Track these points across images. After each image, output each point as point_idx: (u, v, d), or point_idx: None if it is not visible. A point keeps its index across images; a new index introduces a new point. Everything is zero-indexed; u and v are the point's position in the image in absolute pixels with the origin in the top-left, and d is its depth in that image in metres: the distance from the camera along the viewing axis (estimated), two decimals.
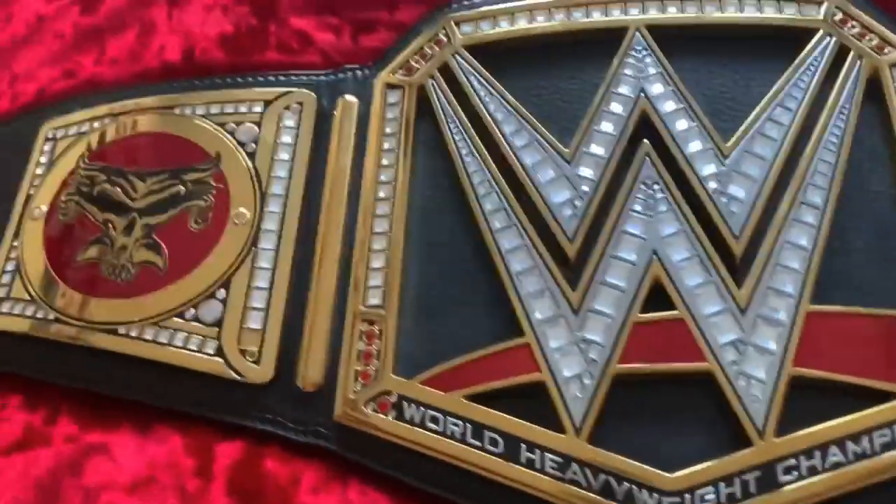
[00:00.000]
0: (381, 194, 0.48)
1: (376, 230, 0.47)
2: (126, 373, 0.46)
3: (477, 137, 0.47)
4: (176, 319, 0.46)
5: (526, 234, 0.44)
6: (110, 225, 0.49)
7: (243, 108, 0.52)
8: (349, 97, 0.52)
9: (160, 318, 0.46)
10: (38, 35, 0.57)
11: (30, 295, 0.48)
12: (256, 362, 0.44)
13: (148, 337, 0.45)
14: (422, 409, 0.41)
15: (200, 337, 0.45)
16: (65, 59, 0.56)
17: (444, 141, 0.48)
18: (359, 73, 0.53)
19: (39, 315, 0.47)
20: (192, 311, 0.46)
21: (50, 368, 0.47)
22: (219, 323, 0.45)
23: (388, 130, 0.49)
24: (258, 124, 0.51)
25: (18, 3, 0.59)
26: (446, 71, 0.50)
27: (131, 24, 0.55)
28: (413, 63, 0.51)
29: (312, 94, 0.51)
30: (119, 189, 0.50)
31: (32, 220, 0.51)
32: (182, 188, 0.49)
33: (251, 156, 0.50)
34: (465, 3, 0.52)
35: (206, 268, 0.47)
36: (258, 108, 0.52)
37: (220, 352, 0.45)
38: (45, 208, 0.51)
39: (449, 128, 0.48)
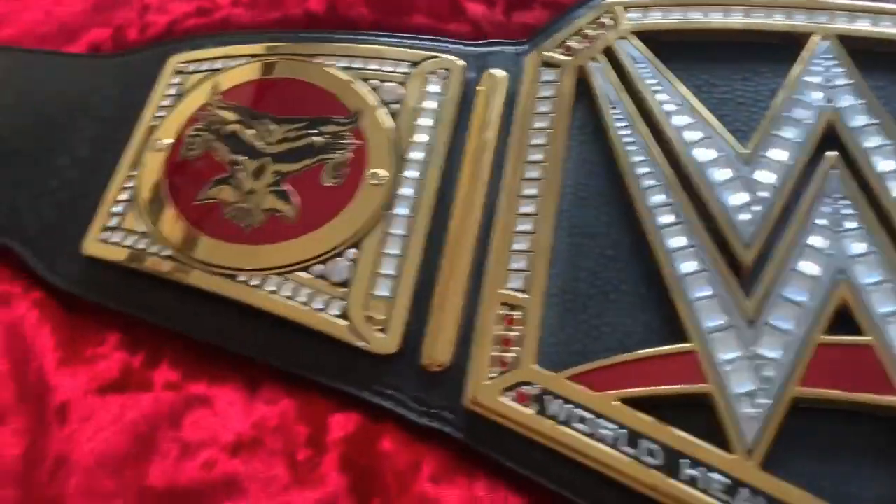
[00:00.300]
0: (530, 174, 0.44)
1: (521, 210, 0.43)
2: (239, 324, 0.42)
3: (644, 126, 0.44)
4: (301, 274, 0.42)
5: (695, 235, 0.40)
6: (239, 167, 0.46)
7: (388, 67, 0.49)
8: (497, 71, 0.48)
9: (285, 270, 0.42)
10: None
11: (145, 227, 0.45)
12: (382, 331, 0.40)
13: (270, 288, 0.42)
14: (568, 406, 0.37)
15: (326, 295, 0.42)
16: None
17: (604, 126, 0.45)
18: (510, 48, 0.50)
19: (153, 250, 0.44)
20: (321, 266, 0.42)
21: (156, 308, 0.44)
22: (346, 284, 0.42)
23: (540, 109, 0.46)
24: (402, 85, 0.48)
25: None
26: (610, 55, 0.47)
27: None
28: (572, 44, 0.48)
29: (460, 61, 0.48)
30: (252, 131, 0.47)
31: (154, 151, 0.48)
32: (318, 139, 0.46)
33: (392, 116, 0.47)
34: None
35: (338, 225, 0.43)
36: (403, 69, 0.49)
37: (345, 314, 0.41)
38: (168, 141, 0.48)
39: (611, 113, 0.44)
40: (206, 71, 0.51)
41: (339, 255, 0.43)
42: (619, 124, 0.45)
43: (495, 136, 0.46)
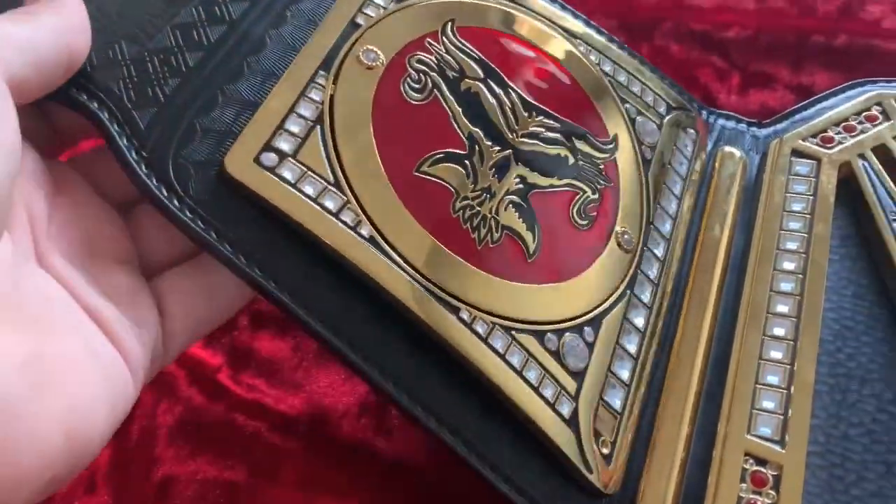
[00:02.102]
0: (782, 286, 0.36)
1: (771, 332, 0.35)
2: (425, 370, 0.28)
3: None
4: (532, 339, 0.30)
5: None
6: (478, 148, 0.32)
7: (648, 97, 0.38)
8: (734, 150, 0.40)
9: (514, 326, 0.29)
10: None
11: (334, 177, 0.29)
12: (607, 459, 0.29)
13: (497, 344, 0.29)
14: None
15: (557, 385, 0.29)
16: None
17: (880, 241, 0.37)
18: (749, 126, 0.41)
19: (346, 218, 0.28)
20: (554, 339, 0.30)
21: (328, 313, 0.28)
22: (580, 376, 0.30)
23: (793, 207, 0.38)
24: (659, 128, 0.37)
25: None
26: (884, 154, 0.39)
27: None
28: (832, 134, 0.40)
29: (706, 128, 0.39)
30: (497, 104, 0.33)
31: (361, 64, 0.31)
32: (571, 156, 0.34)
33: (646, 163, 0.36)
34: None
35: (581, 287, 0.32)
36: (661, 108, 0.38)
37: (574, 420, 0.29)
38: (383, 58, 0.32)
39: (886, 217, 0.37)
40: None
41: (577, 330, 0.31)
42: None
43: (730, 229, 0.37)
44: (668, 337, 0.34)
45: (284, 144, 0.28)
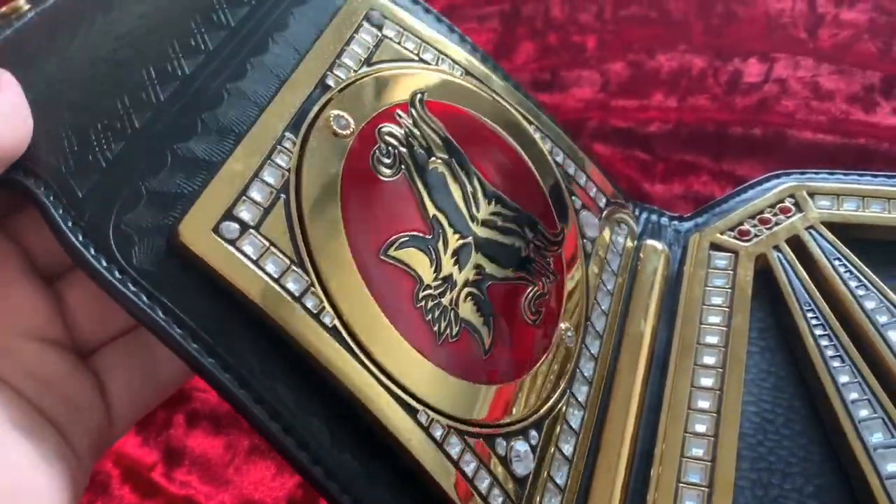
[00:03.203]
0: (703, 381, 0.37)
1: (693, 428, 0.36)
2: (395, 487, 0.26)
3: (847, 337, 0.37)
4: (483, 443, 0.29)
5: None
6: (442, 234, 0.31)
7: (591, 190, 0.39)
8: (657, 244, 0.41)
9: (467, 430, 0.28)
10: None
11: (297, 256, 0.26)
12: None
13: (452, 452, 0.27)
14: None
15: (503, 494, 0.29)
16: None
17: (797, 332, 0.38)
18: (671, 220, 0.43)
19: (308, 304, 0.26)
20: (503, 443, 0.29)
21: (277, 401, 0.25)
22: (524, 482, 0.29)
23: (713, 301, 0.39)
24: (598, 222, 0.38)
25: None
26: (797, 245, 0.41)
27: None
28: (748, 227, 0.42)
29: (632, 222, 0.40)
30: (460, 189, 0.32)
31: (329, 131, 0.29)
32: (524, 247, 0.33)
33: (586, 257, 0.36)
34: (813, 172, 0.44)
35: (529, 387, 0.31)
36: (601, 202, 0.39)
37: None
38: (353, 125, 0.30)
39: (807, 316, 0.38)
40: (408, 53, 0.34)
41: (523, 434, 0.30)
42: (817, 332, 0.38)
43: (652, 324, 0.38)
44: (597, 434, 0.34)
45: (246, 214, 0.25)
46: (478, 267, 0.30)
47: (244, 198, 0.25)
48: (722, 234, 0.42)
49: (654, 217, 0.43)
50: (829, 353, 0.37)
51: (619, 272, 0.38)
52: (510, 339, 0.30)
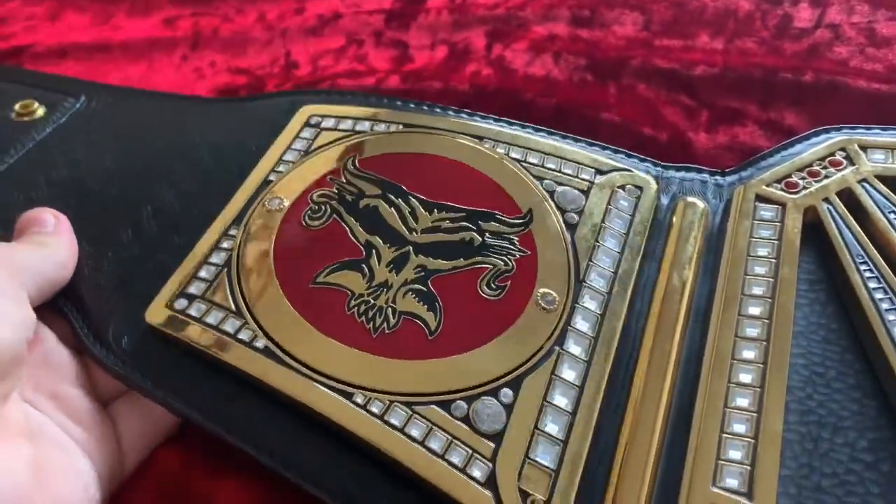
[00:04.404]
0: (748, 331, 0.33)
1: (737, 378, 0.32)
2: (336, 460, 0.29)
3: None
4: (437, 409, 0.30)
5: None
6: (375, 251, 0.35)
7: (568, 169, 0.39)
8: (696, 200, 0.38)
9: (416, 400, 0.30)
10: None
11: (235, 306, 0.33)
12: None
13: (394, 421, 0.30)
14: None
15: (468, 449, 0.29)
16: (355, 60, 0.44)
17: (849, 285, 0.34)
18: (709, 176, 0.40)
19: (243, 337, 0.32)
20: (464, 405, 0.30)
21: (233, 419, 0.31)
22: (497, 437, 0.29)
23: (758, 252, 0.35)
24: (584, 194, 0.37)
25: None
26: (849, 198, 0.36)
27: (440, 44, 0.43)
28: (797, 180, 0.37)
29: (654, 182, 0.38)
30: (395, 212, 0.36)
31: (266, 211, 0.37)
32: (477, 237, 0.35)
33: (570, 227, 0.36)
34: (865, 127, 0.41)
35: (493, 352, 0.32)
36: (586, 175, 0.39)
37: (491, 482, 0.28)
38: (287, 203, 0.37)
39: (860, 269, 0.33)
40: (344, 131, 0.41)
41: (492, 394, 0.31)
42: (871, 284, 0.33)
43: (692, 276, 0.35)
44: (625, 388, 0.33)
45: (194, 289, 0.33)
46: (420, 266, 0.34)
47: (193, 278, 0.33)
48: (768, 186, 0.40)
49: (690, 174, 0.42)
50: (885, 305, 0.34)
51: (628, 232, 0.38)
52: (464, 317, 0.33)
